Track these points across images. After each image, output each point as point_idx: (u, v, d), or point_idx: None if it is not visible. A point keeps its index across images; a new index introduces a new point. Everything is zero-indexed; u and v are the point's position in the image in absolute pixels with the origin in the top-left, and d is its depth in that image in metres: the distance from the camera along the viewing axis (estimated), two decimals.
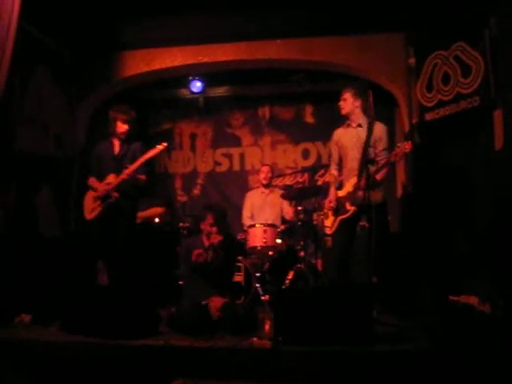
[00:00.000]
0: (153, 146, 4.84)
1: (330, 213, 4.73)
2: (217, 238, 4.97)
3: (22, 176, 5.23)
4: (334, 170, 4.87)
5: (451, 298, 4.19)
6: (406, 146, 4.18)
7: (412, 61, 5.64)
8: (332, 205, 4.68)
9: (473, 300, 4.04)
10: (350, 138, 4.64)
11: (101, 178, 4.88)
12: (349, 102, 4.65)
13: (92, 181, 4.93)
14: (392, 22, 5.77)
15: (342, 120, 5.23)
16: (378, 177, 4.40)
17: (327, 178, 5.54)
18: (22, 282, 4.43)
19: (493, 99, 4.71)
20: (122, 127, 4.88)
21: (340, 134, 4.79)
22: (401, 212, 6.25)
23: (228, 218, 5.50)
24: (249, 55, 6.28)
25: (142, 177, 4.85)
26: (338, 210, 4.64)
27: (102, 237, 4.80)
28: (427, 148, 5.40)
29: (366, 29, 5.96)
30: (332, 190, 4.77)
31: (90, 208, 4.87)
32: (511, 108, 4.48)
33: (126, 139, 4.93)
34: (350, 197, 4.53)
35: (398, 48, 5.94)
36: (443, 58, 5.24)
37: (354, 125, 4.64)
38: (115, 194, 4.73)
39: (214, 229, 4.95)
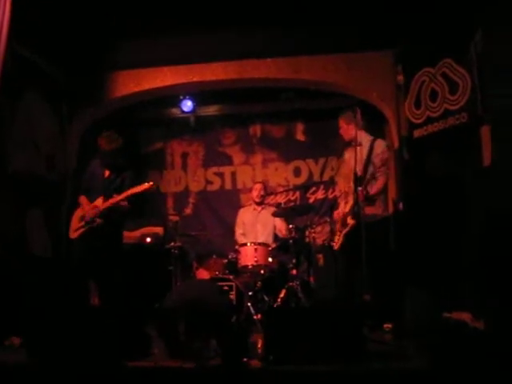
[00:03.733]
0: (142, 178, 4.89)
1: (337, 227, 4.87)
2: None
3: (13, 197, 5.21)
4: (342, 185, 5.02)
5: (444, 314, 4.17)
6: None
7: (400, 78, 5.69)
8: (339, 218, 4.84)
9: (466, 316, 4.02)
10: (352, 156, 4.71)
11: (90, 196, 4.91)
12: (344, 129, 4.89)
13: (82, 199, 4.97)
14: (380, 40, 5.83)
15: (333, 138, 5.31)
16: (361, 197, 4.44)
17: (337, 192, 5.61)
18: (13, 304, 4.39)
19: (480, 115, 4.74)
20: (105, 160, 4.92)
21: (348, 152, 4.97)
22: (392, 228, 6.24)
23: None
24: (239, 74, 6.32)
25: (124, 203, 4.82)
26: (342, 224, 4.78)
27: (85, 258, 4.79)
28: (416, 165, 5.43)
29: (354, 47, 6.01)
30: (341, 205, 4.94)
31: (75, 227, 4.90)
32: (498, 124, 4.51)
33: (113, 168, 4.93)
34: (351, 212, 4.65)
35: (386, 65, 5.99)
36: (430, 75, 5.27)
37: (354, 144, 4.71)
38: (98, 221, 4.74)
39: None
